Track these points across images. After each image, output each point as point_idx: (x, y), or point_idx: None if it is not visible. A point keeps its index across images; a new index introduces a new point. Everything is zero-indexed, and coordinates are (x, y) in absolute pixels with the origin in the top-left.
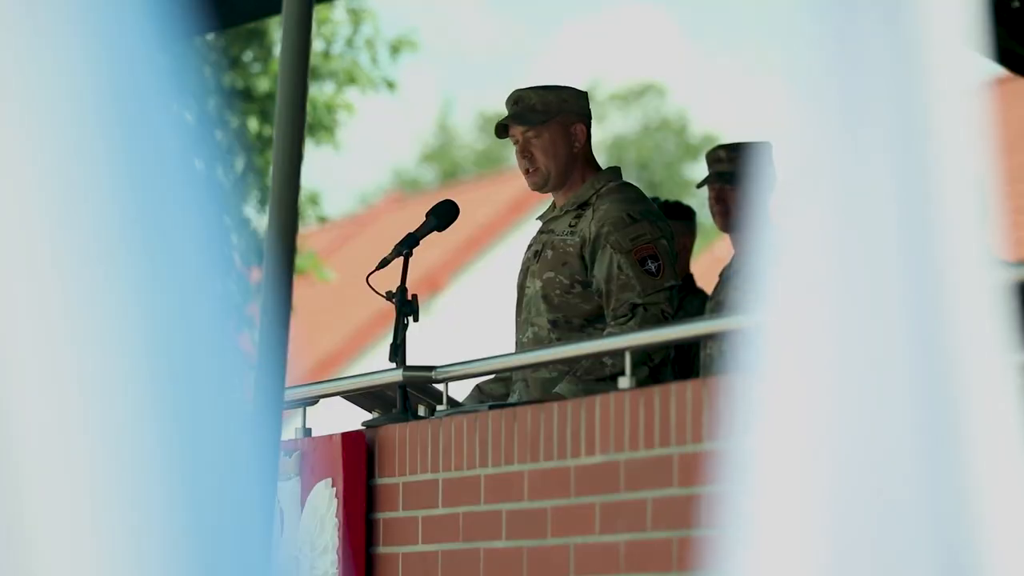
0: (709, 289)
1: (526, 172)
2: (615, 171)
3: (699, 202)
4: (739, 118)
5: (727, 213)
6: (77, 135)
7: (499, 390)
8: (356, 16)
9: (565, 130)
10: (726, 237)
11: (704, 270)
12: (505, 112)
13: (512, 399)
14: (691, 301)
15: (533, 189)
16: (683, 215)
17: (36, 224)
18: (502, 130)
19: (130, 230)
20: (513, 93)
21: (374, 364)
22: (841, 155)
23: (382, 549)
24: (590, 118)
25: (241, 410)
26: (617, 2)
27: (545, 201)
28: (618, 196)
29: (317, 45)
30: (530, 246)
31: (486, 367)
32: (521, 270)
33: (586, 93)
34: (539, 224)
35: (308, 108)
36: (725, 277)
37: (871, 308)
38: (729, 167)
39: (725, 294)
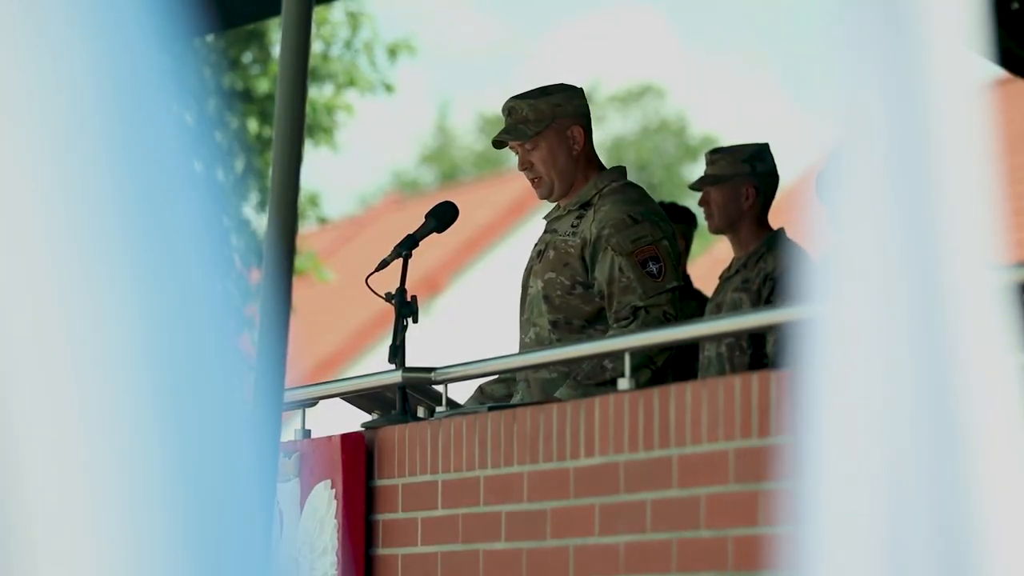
0: (708, 291)
1: (531, 182)
2: (619, 171)
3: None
4: (738, 119)
5: (712, 216)
6: (77, 136)
7: (501, 391)
8: (354, 19)
9: (561, 135)
10: (725, 239)
11: (704, 272)
12: (503, 118)
13: (515, 400)
14: (688, 303)
15: (541, 198)
16: (680, 217)
17: (35, 225)
18: (500, 143)
19: (130, 231)
20: (506, 103)
21: (374, 365)
22: (843, 157)
23: (382, 550)
24: (587, 116)
25: (241, 411)
26: (615, 3)
27: (546, 202)
28: (620, 197)
29: (316, 47)
30: (535, 245)
31: (486, 368)
32: (525, 269)
33: (581, 90)
34: (545, 223)
35: (307, 109)
36: (724, 279)
37: (872, 309)
38: (713, 170)
39: (724, 296)
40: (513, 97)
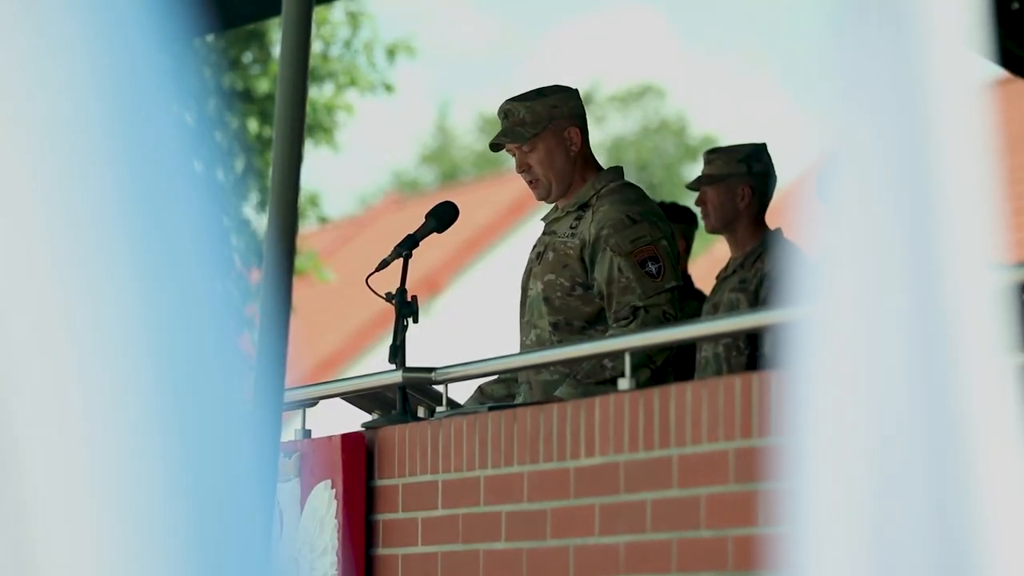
0: (708, 291)
1: (529, 184)
2: (617, 171)
3: None
4: (739, 119)
5: (708, 215)
6: (77, 136)
7: (500, 391)
8: (354, 19)
9: (559, 137)
10: (725, 240)
11: (704, 272)
12: (499, 120)
13: (517, 402)
14: (689, 304)
15: (540, 200)
16: (680, 217)
17: (36, 225)
18: (497, 145)
19: (130, 231)
20: (501, 106)
21: (374, 365)
22: (842, 157)
23: (382, 550)
24: (583, 117)
25: (241, 411)
26: (615, 3)
27: (546, 202)
28: (618, 197)
29: (316, 47)
30: (534, 247)
31: (486, 368)
32: (524, 271)
33: (576, 91)
34: (543, 225)
35: (307, 109)
36: (721, 279)
37: (872, 309)
38: (709, 170)
39: (721, 296)
40: (509, 100)
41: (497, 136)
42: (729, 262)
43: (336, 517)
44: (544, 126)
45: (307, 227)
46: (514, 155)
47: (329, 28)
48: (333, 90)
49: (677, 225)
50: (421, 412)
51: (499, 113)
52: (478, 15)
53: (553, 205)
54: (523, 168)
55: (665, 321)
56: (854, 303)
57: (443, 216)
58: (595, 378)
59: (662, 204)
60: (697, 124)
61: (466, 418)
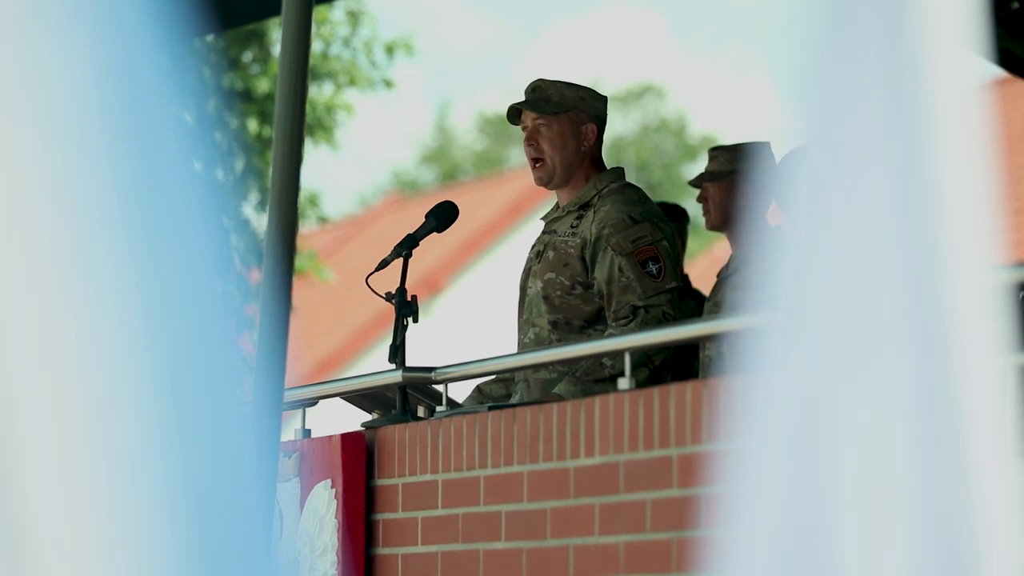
0: (707, 291)
1: (533, 164)
2: (618, 172)
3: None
4: (739, 119)
5: (708, 212)
6: (78, 136)
7: (499, 391)
8: (354, 18)
9: (576, 126)
10: (725, 238)
11: (703, 272)
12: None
13: (514, 400)
14: (687, 303)
15: (538, 183)
16: (674, 217)
17: (36, 225)
18: (515, 116)
19: (130, 231)
20: (533, 81)
21: (374, 365)
22: (841, 157)
23: (381, 550)
24: (604, 121)
25: (241, 411)
26: (616, 4)
27: (546, 202)
28: (620, 197)
29: (315, 46)
30: (533, 246)
31: (486, 368)
32: (524, 270)
33: (605, 97)
34: (543, 224)
35: (307, 109)
36: (723, 278)
37: (871, 309)
38: (712, 167)
39: (722, 295)
40: (542, 78)
41: (520, 103)
42: (729, 260)
43: (336, 517)
44: (567, 110)
45: (307, 227)
46: (526, 128)
47: (329, 27)
48: (333, 89)
49: (673, 224)
50: (421, 412)
51: (528, 87)
52: (479, 15)
53: (554, 204)
54: (531, 142)
55: (665, 321)
56: (853, 303)
57: (443, 216)
58: (594, 376)
59: None
60: (696, 124)
61: (466, 418)
